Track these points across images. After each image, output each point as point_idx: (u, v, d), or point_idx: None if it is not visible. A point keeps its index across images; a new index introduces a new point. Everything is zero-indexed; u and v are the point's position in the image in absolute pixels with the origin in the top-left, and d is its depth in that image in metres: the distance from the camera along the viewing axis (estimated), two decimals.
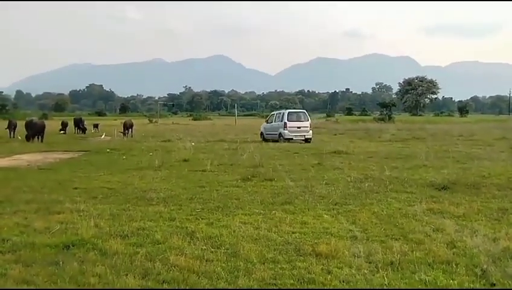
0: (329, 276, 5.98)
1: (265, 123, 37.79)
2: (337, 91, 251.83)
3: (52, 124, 46.19)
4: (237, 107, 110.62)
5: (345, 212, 9.61)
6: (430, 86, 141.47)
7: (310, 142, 31.82)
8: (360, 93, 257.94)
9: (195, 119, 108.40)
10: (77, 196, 11.35)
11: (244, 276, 5.95)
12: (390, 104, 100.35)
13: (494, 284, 5.74)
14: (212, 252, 6.92)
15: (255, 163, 16.99)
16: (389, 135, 37.95)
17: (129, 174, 15.55)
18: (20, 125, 36.38)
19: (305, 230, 8.12)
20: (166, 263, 6.38)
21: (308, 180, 13.50)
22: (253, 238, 7.59)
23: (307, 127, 33.09)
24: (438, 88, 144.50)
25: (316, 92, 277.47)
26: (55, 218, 9.00)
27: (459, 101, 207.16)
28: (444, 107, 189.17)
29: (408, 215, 9.23)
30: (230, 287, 5.72)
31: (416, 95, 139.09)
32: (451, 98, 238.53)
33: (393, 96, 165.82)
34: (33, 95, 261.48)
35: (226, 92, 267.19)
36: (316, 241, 7.42)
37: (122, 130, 39.44)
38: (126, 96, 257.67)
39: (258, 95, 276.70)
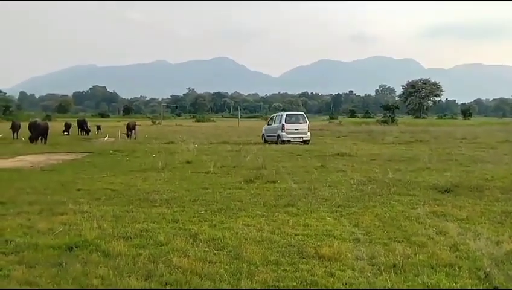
0: (332, 278, 5.98)
1: (266, 125, 38.05)
2: (341, 93, 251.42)
3: (56, 126, 46.29)
4: (240, 109, 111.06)
5: (348, 214, 9.61)
6: (434, 88, 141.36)
7: (308, 143, 32.11)
8: (364, 95, 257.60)
9: (198, 121, 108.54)
10: (80, 197, 11.36)
11: (247, 278, 5.95)
12: (394, 106, 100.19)
13: (497, 287, 5.74)
14: (215, 254, 6.93)
15: (258, 165, 16.99)
16: (392, 137, 37.90)
17: (132, 175, 15.56)
18: (24, 126, 36.43)
19: (308, 232, 8.12)
20: (169, 264, 6.39)
21: (311, 183, 13.49)
22: (256, 241, 7.59)
23: (305, 129, 33.48)
24: (442, 91, 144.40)
25: (319, 94, 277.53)
26: (58, 219, 9.00)
27: (462, 103, 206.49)
28: (447, 110, 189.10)
29: (411, 218, 9.21)
30: (233, 289, 5.73)
31: (420, 98, 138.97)
32: (455, 100, 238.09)
33: (397, 98, 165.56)
34: (36, 96, 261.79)
35: (229, 93, 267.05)
36: (318, 243, 7.42)
37: (126, 132, 39.50)
38: (129, 98, 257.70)
39: (261, 97, 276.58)
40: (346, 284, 5.85)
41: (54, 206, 10.19)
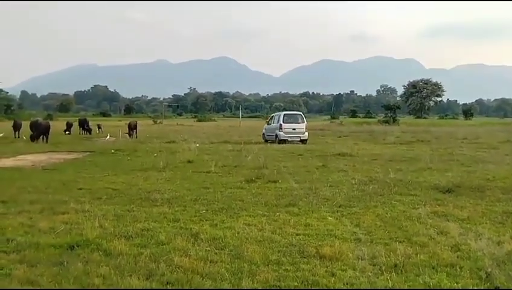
0: (333, 278, 5.98)
1: (266, 125, 38.26)
2: (342, 93, 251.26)
3: (57, 125, 46.25)
4: (241, 109, 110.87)
5: (349, 214, 9.62)
6: (435, 88, 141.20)
7: (305, 143, 32.41)
8: (365, 95, 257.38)
9: (199, 121, 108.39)
10: (82, 196, 11.37)
11: (248, 278, 5.95)
12: (395, 106, 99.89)
13: (498, 288, 5.74)
14: (216, 253, 6.94)
15: (259, 165, 17.00)
16: (393, 137, 37.87)
17: (133, 175, 15.57)
18: (25, 125, 36.46)
19: (309, 232, 8.12)
20: (170, 264, 6.40)
21: (312, 182, 13.50)
22: (257, 240, 7.59)
23: (303, 128, 33.80)
24: (443, 91, 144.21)
25: (321, 94, 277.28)
26: (59, 218, 9.02)
27: (463, 104, 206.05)
28: (448, 110, 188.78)
29: (412, 218, 9.22)
30: (234, 288, 5.73)
31: (421, 98, 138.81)
32: (456, 100, 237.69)
33: (398, 98, 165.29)
34: (38, 95, 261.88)
35: (231, 93, 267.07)
36: (320, 243, 7.42)
37: (128, 131, 39.51)
38: (131, 97, 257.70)
39: (263, 96, 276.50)
40: (347, 284, 5.85)
41: (55, 205, 10.21)
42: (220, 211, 9.85)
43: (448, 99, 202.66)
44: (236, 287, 5.75)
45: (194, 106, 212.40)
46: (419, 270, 6.23)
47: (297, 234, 7.97)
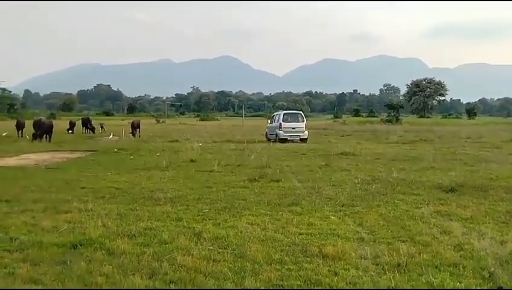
0: (336, 277, 5.98)
1: (268, 124, 38.41)
2: (345, 92, 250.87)
3: (60, 124, 46.34)
4: (244, 108, 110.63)
5: (352, 213, 9.61)
6: (438, 87, 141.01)
7: (305, 142, 32.86)
8: (368, 94, 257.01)
9: (202, 120, 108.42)
10: (85, 195, 11.39)
11: (251, 277, 5.96)
12: (398, 105, 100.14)
13: (502, 287, 5.73)
14: (219, 252, 6.94)
15: (262, 164, 17.00)
16: (396, 136, 37.82)
17: (136, 174, 15.59)
18: (29, 124, 36.56)
19: (312, 231, 8.12)
20: (173, 263, 6.40)
21: (315, 182, 13.49)
22: (260, 239, 7.60)
23: (302, 127, 34.28)
24: (446, 90, 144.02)
25: (324, 93, 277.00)
26: (62, 217, 9.04)
27: (467, 103, 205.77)
28: (451, 109, 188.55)
29: (415, 217, 9.21)
30: (237, 288, 5.74)
31: (424, 97, 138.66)
32: (459, 100, 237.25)
33: (401, 98, 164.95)
34: (41, 94, 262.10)
35: (234, 92, 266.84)
36: (322, 242, 7.42)
37: (131, 130, 39.57)
38: (134, 97, 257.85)
39: (266, 96, 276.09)
40: (350, 283, 5.85)
41: (58, 204, 10.23)
42: (223, 210, 9.86)
43: (451, 98, 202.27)
44: (239, 287, 5.75)
45: (197, 105, 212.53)
46: (422, 269, 6.22)
47: (300, 233, 7.97)
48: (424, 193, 11.98)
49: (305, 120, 35.42)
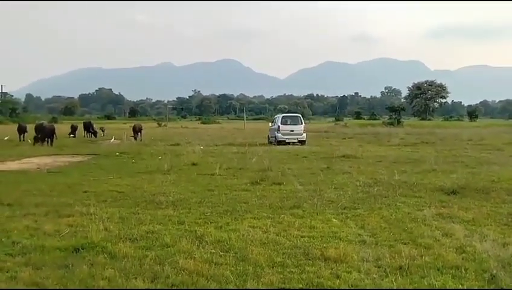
0: (338, 280, 5.99)
1: (270, 127, 38.95)
2: (346, 95, 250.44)
3: (62, 128, 46.39)
4: (246, 111, 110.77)
5: (354, 216, 9.62)
6: (440, 90, 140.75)
7: (304, 144, 33.25)
8: (369, 97, 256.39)
9: (204, 123, 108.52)
10: (87, 199, 11.41)
11: (253, 280, 5.97)
12: (400, 108, 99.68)
13: (504, 289, 5.73)
14: (221, 255, 6.95)
15: (263, 167, 17.01)
16: (398, 139, 37.85)
17: (138, 177, 15.61)
18: (31, 128, 36.64)
19: (313, 234, 8.13)
20: (175, 266, 6.41)
21: (316, 185, 13.51)
22: (262, 242, 7.60)
23: (301, 130, 34.74)
24: (447, 92, 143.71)
25: (325, 96, 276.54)
26: (64, 221, 9.06)
27: (468, 105, 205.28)
28: (453, 112, 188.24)
29: (417, 219, 9.22)
30: (239, 289, 5.75)
31: (426, 99, 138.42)
32: (461, 102, 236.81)
33: (403, 100, 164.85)
34: (43, 98, 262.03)
35: (235, 95, 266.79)
36: (324, 245, 7.42)
37: (133, 134, 39.61)
38: (135, 100, 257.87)
39: (267, 99, 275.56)
40: (352, 286, 5.85)
41: (60, 208, 10.24)
42: (225, 213, 9.87)
43: (452, 100, 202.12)
44: (241, 289, 5.76)
45: (199, 108, 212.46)
46: (424, 272, 6.23)
47: (302, 236, 7.98)
48: (425, 195, 11.99)
49: (303, 123, 35.88)
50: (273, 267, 6.46)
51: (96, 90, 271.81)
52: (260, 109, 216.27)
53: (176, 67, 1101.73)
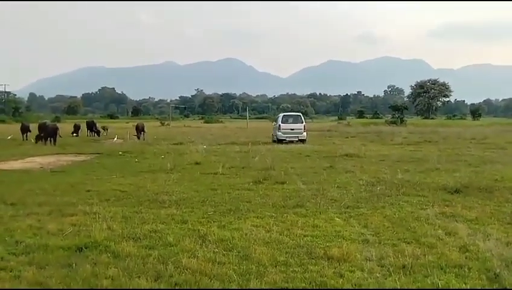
0: (341, 279, 5.99)
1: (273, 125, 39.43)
2: (349, 94, 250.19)
3: (65, 127, 46.37)
4: (249, 110, 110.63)
5: (357, 215, 9.61)
6: (443, 89, 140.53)
7: (304, 143, 33.74)
8: (372, 96, 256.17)
9: (207, 122, 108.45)
10: (90, 198, 11.42)
11: (256, 279, 5.97)
12: (402, 107, 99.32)
13: (507, 289, 5.72)
14: (224, 255, 6.95)
15: (266, 166, 17.01)
16: (401, 138, 37.78)
17: (141, 177, 15.62)
18: (34, 128, 36.70)
19: (316, 233, 8.13)
20: (178, 265, 6.41)
21: (319, 184, 13.50)
22: (265, 241, 7.60)
23: (301, 129, 35.16)
24: (451, 91, 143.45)
25: (328, 94, 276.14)
26: (68, 220, 9.07)
27: (471, 104, 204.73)
28: (456, 110, 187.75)
29: (420, 218, 9.21)
30: (242, 289, 5.74)
31: (429, 98, 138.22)
32: (464, 101, 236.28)
33: (406, 99, 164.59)
34: (46, 97, 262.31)
35: (238, 94, 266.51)
36: (327, 244, 7.43)
37: (136, 133, 39.61)
38: (138, 99, 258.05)
39: (270, 98, 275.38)
40: (355, 285, 5.85)
41: (63, 208, 10.25)
42: (228, 212, 9.88)
43: (455, 99, 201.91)
44: (244, 288, 5.76)
45: (201, 107, 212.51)
46: (428, 271, 6.22)
47: (305, 235, 7.98)
48: (429, 194, 11.97)
49: (304, 122, 36.23)
50: (276, 267, 6.46)
51: (99, 90, 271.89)
52: (263, 108, 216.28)
53: (178, 66, 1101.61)
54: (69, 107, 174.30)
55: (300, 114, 38.95)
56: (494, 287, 5.79)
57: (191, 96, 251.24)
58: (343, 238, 7.80)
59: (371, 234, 8.10)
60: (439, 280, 5.91)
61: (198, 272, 6.16)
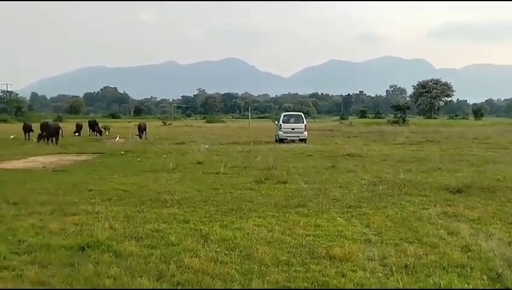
0: (344, 279, 5.98)
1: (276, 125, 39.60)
2: (351, 94, 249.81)
3: (67, 127, 46.40)
4: (250, 110, 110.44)
5: (359, 215, 9.61)
6: (445, 88, 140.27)
7: (305, 142, 33.83)
8: (374, 95, 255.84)
9: (208, 122, 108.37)
10: (92, 197, 11.43)
11: (258, 278, 5.97)
12: (405, 106, 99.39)
13: (510, 289, 5.72)
14: (226, 254, 6.96)
15: (268, 166, 17.01)
16: (403, 137, 37.78)
17: (143, 176, 15.63)
18: (36, 127, 36.75)
19: (319, 233, 8.13)
20: (180, 265, 6.42)
21: (321, 183, 13.51)
22: (267, 241, 7.61)
23: (302, 128, 35.33)
24: (453, 91, 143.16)
25: (330, 94, 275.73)
26: (70, 220, 9.08)
27: (473, 104, 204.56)
28: (458, 110, 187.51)
29: (422, 218, 9.21)
30: (244, 289, 5.74)
31: (431, 98, 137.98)
32: (466, 100, 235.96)
33: (408, 99, 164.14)
34: (48, 97, 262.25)
35: (240, 94, 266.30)
36: (330, 244, 7.43)
37: (138, 133, 39.65)
38: (140, 99, 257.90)
39: (272, 97, 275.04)
40: (357, 284, 5.85)
41: (65, 207, 10.27)
42: (230, 212, 9.88)
43: (458, 99, 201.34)
44: (246, 288, 5.76)
45: (203, 107, 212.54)
46: (430, 271, 6.22)
47: (307, 235, 7.98)
48: (431, 194, 11.97)
49: (304, 121, 36.40)
50: (278, 266, 6.46)
51: (101, 89, 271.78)
52: (265, 108, 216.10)
53: (180, 66, 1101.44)
54: (71, 107, 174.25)
55: (301, 114, 39.11)
56: (497, 287, 5.79)
57: (193, 95, 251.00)
58: (345, 238, 7.81)
59: (373, 234, 8.10)
60: (441, 279, 5.91)
61: (200, 271, 6.16)
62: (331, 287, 5.79)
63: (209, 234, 7.90)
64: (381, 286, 5.79)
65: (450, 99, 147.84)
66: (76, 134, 43.78)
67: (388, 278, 6.00)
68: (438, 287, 5.74)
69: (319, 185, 13.29)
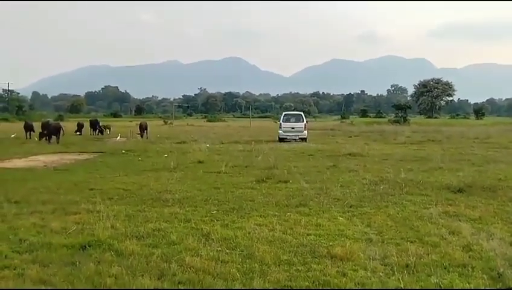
0: (345, 278, 5.99)
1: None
2: (352, 93, 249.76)
3: (68, 126, 46.41)
4: (252, 109, 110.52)
5: (360, 214, 9.61)
6: (446, 88, 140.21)
7: (305, 141, 34.03)
8: (375, 95, 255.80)
9: (210, 121, 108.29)
10: (93, 197, 11.41)
11: (259, 278, 5.97)
12: (406, 106, 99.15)
13: (511, 288, 5.71)
14: (227, 253, 6.96)
15: (269, 165, 16.99)
16: (404, 137, 37.72)
17: (144, 175, 15.63)
18: (37, 126, 36.77)
19: (320, 232, 8.13)
20: (181, 264, 6.42)
21: (323, 183, 13.49)
22: (268, 240, 7.61)
23: (302, 128, 35.56)
24: (454, 90, 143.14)
25: (331, 94, 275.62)
26: (71, 219, 9.08)
27: (475, 103, 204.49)
28: (459, 110, 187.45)
29: (423, 218, 9.20)
30: (245, 288, 5.74)
31: (432, 97, 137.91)
32: (467, 100, 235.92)
33: (409, 98, 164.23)
34: (49, 96, 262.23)
35: (241, 93, 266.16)
36: (331, 243, 7.43)
37: (139, 132, 39.64)
38: (141, 98, 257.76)
39: (273, 96, 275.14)
40: (358, 284, 5.86)
41: (67, 206, 10.27)
42: (231, 211, 9.88)
43: (459, 98, 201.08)
44: (247, 287, 5.76)
45: (204, 106, 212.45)
46: (431, 270, 6.23)
47: (308, 234, 7.98)
48: (432, 193, 11.96)
49: (305, 121, 36.55)
50: (279, 265, 6.46)
51: (102, 88, 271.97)
52: (266, 107, 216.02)
53: (181, 65, 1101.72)
54: (72, 106, 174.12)
55: (301, 113, 39.27)
56: (498, 287, 5.79)
57: (194, 95, 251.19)
58: (347, 237, 7.81)
59: (374, 233, 8.10)
60: (443, 279, 5.92)
61: (202, 270, 6.17)
62: (332, 287, 5.79)
63: (210, 233, 7.90)
64: (382, 286, 5.80)
65: (451, 98, 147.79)
66: (78, 133, 43.79)
67: (389, 278, 6.00)
68: (439, 287, 5.75)
69: (320, 184, 13.28)
